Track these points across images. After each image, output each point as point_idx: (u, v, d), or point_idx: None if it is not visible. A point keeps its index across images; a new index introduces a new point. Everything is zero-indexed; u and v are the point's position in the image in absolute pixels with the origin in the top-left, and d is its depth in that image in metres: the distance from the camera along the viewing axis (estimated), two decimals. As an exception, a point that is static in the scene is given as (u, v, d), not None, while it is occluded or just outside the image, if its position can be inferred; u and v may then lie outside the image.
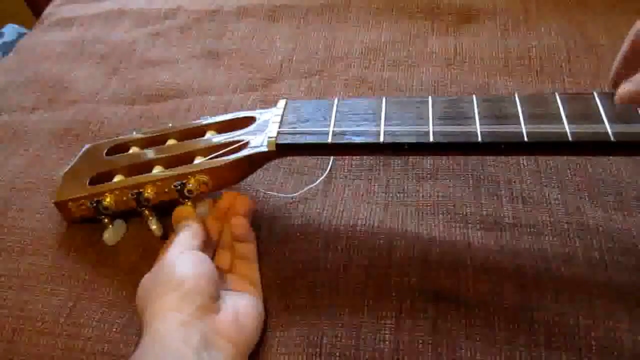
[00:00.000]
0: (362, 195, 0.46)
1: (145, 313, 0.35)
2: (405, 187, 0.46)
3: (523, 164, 0.46)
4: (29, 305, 0.41)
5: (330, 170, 0.48)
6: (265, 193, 0.47)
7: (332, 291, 0.40)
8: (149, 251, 0.44)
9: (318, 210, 0.45)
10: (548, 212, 0.43)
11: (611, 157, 0.46)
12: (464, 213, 0.43)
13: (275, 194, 0.46)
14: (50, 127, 0.56)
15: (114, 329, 0.40)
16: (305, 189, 0.46)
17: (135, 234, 0.45)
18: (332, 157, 0.48)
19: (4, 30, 0.81)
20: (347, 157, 0.49)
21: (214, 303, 0.36)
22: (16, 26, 0.82)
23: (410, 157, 0.48)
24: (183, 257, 0.37)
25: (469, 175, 0.46)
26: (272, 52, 0.61)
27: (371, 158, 0.48)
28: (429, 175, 0.46)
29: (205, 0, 0.69)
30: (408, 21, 0.63)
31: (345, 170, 0.48)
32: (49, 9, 0.74)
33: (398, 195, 0.45)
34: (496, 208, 0.43)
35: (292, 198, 0.46)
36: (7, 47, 0.76)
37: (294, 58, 0.60)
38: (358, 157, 0.49)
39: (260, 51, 0.62)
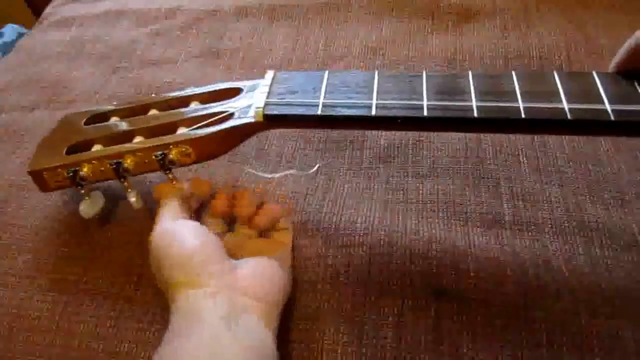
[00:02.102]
0: (362, 192, 0.46)
1: (166, 287, 0.35)
2: (405, 185, 0.46)
3: (523, 161, 0.46)
4: (25, 303, 0.41)
5: (317, 168, 0.47)
6: (247, 171, 0.46)
7: (333, 287, 0.40)
8: (143, 245, 0.43)
9: (318, 206, 0.45)
10: (548, 210, 0.42)
11: (611, 154, 0.46)
12: (464, 211, 0.43)
13: (254, 171, 0.45)
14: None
15: (108, 324, 0.40)
16: (287, 172, 0.46)
17: (128, 230, 0.45)
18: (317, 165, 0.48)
19: (4, 30, 0.81)
20: (346, 153, 0.49)
21: (226, 263, 0.35)
22: (16, 26, 0.82)
23: (410, 154, 0.48)
24: (182, 228, 0.37)
25: (469, 173, 0.46)
26: (272, 51, 0.61)
27: (371, 155, 0.48)
28: (428, 173, 0.46)
29: (205, 0, 0.69)
30: (408, 20, 0.63)
31: (345, 167, 0.48)
32: (49, 9, 0.74)
33: (398, 193, 0.45)
34: (496, 206, 0.43)
35: (270, 179, 0.46)
36: (7, 47, 0.75)
37: (294, 57, 0.60)
38: (358, 154, 0.49)
39: (260, 51, 0.62)
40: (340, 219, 0.44)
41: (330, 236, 0.42)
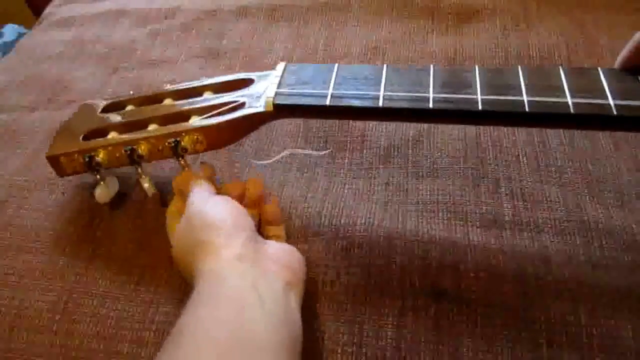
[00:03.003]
0: (362, 193, 0.46)
1: (193, 265, 0.34)
2: (405, 186, 0.46)
3: (523, 161, 0.46)
4: (25, 303, 0.41)
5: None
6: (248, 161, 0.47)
7: (334, 288, 0.40)
8: (145, 242, 0.44)
9: (318, 208, 0.45)
10: (548, 210, 0.42)
11: (611, 154, 0.46)
12: (464, 211, 0.43)
13: (253, 161, 0.47)
14: (50, 127, 0.56)
15: (108, 323, 0.40)
16: (283, 154, 0.47)
17: (129, 230, 0.45)
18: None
19: (4, 30, 0.81)
20: (346, 154, 0.49)
21: (257, 234, 0.36)
22: (16, 26, 0.82)
23: (410, 155, 0.48)
24: (213, 201, 0.38)
25: (469, 173, 0.46)
26: (272, 51, 0.61)
27: (371, 156, 0.48)
28: (428, 173, 0.46)
29: (205, 0, 0.70)
30: (408, 21, 0.63)
31: (345, 169, 0.48)
32: (49, 9, 0.74)
33: (398, 194, 0.45)
34: (496, 206, 0.43)
35: (265, 166, 0.47)
36: (7, 47, 0.76)
37: (294, 58, 0.60)
38: (357, 155, 0.49)
39: (260, 51, 0.62)
40: (340, 219, 0.44)
41: (331, 236, 0.42)
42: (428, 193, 0.45)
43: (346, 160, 0.48)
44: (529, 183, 0.44)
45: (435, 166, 0.47)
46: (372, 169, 0.47)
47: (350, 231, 0.43)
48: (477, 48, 0.58)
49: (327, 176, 0.47)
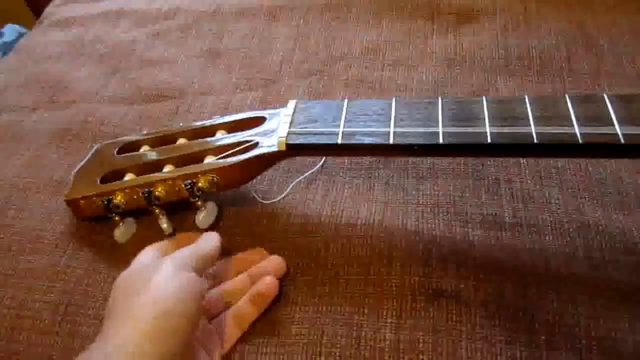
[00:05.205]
0: (362, 194, 0.46)
1: (115, 312, 0.32)
2: (405, 186, 0.46)
3: (523, 163, 0.46)
4: (27, 304, 0.41)
5: (322, 166, 0.48)
6: (254, 196, 0.47)
7: (332, 290, 0.40)
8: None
9: (318, 209, 0.45)
10: (548, 212, 0.42)
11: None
12: (464, 212, 0.43)
13: (258, 198, 0.46)
14: (50, 127, 0.56)
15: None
16: (285, 193, 0.46)
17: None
18: (322, 159, 0.48)
19: (4, 30, 0.81)
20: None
21: (183, 351, 0.32)
22: (16, 26, 0.82)
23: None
24: (178, 281, 0.33)
25: (469, 175, 0.46)
26: (272, 52, 0.61)
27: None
28: (429, 174, 0.46)
29: (205, 0, 0.69)
30: (408, 21, 0.63)
31: (345, 169, 0.48)
32: (49, 9, 0.74)
33: (398, 194, 0.45)
34: (496, 207, 0.43)
35: (270, 204, 0.46)
36: (7, 47, 0.76)
37: (294, 58, 0.60)
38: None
39: (260, 51, 0.62)
40: (340, 220, 0.44)
41: (330, 237, 0.43)
42: (428, 193, 0.45)
43: (346, 160, 0.48)
44: (529, 184, 0.45)
45: (435, 167, 0.47)
46: (373, 169, 0.47)
47: (349, 231, 0.43)
48: (477, 48, 0.58)
49: (327, 176, 0.47)
